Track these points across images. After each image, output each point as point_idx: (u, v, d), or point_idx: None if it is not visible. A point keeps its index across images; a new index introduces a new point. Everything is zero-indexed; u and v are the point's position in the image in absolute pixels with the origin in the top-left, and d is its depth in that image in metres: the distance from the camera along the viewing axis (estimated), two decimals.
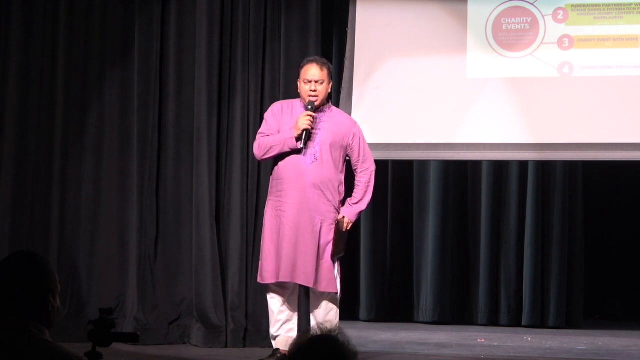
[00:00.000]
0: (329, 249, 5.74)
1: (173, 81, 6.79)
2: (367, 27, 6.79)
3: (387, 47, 6.75)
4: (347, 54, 6.83)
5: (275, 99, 6.42)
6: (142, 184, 6.76)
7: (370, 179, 5.87)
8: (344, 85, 6.81)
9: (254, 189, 6.63)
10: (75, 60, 6.88)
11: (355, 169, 5.90)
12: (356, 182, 5.88)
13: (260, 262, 5.87)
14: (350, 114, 6.58)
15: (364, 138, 5.93)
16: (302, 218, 5.72)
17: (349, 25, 6.85)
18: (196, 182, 6.68)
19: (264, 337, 6.13)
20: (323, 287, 5.73)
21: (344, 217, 5.79)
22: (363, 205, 5.87)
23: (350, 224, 5.82)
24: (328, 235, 5.75)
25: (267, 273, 5.78)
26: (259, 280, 5.89)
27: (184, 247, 6.73)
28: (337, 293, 5.78)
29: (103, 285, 6.77)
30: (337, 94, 6.77)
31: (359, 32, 6.80)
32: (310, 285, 5.76)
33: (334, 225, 5.76)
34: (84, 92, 6.89)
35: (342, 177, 5.86)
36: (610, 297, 8.34)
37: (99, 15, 6.90)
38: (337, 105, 6.47)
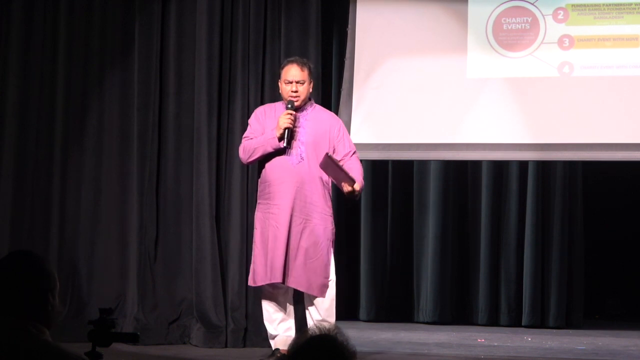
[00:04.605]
0: (317, 249, 5.72)
1: (173, 81, 6.79)
2: (367, 27, 6.79)
3: (387, 47, 6.75)
4: (347, 54, 6.83)
5: (275, 99, 6.41)
6: (142, 184, 6.76)
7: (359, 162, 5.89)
8: (344, 85, 6.80)
9: (254, 189, 6.61)
10: (75, 60, 6.88)
11: (344, 159, 5.80)
12: (350, 166, 5.78)
13: (251, 265, 5.88)
14: (350, 114, 6.58)
15: (345, 129, 5.97)
16: (290, 219, 5.71)
17: (349, 25, 6.85)
18: (196, 182, 6.68)
19: (264, 337, 6.13)
20: (315, 291, 5.71)
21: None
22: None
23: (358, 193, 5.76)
24: (311, 236, 5.71)
25: (258, 276, 5.78)
26: (250, 283, 5.90)
27: (184, 247, 6.74)
28: (322, 296, 5.74)
29: (103, 285, 6.78)
30: (337, 94, 6.76)
31: (359, 32, 6.80)
32: (301, 289, 5.75)
33: (318, 227, 5.73)
34: (84, 92, 6.89)
35: None
36: (610, 297, 8.33)
37: (99, 15, 6.90)
38: (337, 105, 6.46)
